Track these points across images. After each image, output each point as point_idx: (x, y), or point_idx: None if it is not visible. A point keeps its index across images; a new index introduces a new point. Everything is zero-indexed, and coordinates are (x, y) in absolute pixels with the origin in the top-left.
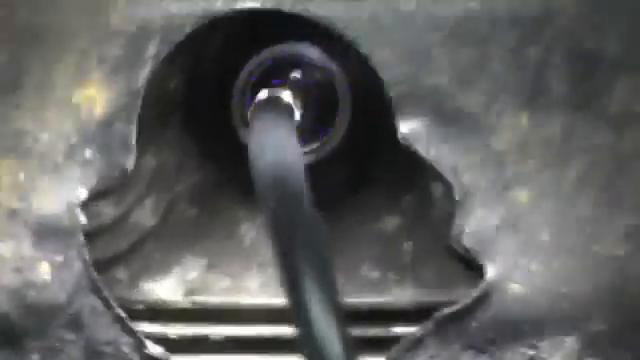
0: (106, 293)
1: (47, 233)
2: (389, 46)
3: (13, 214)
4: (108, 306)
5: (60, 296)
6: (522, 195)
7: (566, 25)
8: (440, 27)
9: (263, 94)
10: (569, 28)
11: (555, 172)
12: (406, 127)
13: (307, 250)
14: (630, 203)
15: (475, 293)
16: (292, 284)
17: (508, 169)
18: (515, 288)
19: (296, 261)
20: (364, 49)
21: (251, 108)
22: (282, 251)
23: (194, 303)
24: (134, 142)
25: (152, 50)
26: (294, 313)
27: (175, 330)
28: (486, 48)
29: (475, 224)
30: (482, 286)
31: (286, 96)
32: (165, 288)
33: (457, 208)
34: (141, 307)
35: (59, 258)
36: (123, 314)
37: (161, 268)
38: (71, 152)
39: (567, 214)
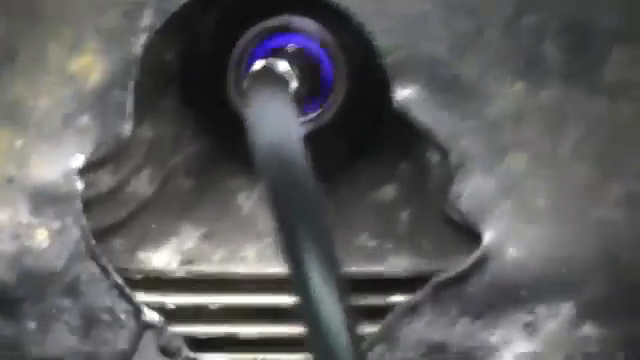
0: (104, 260)
1: (44, 200)
2: (384, 15)
3: (10, 181)
4: (105, 273)
5: (57, 263)
6: (519, 161)
7: None
8: None
9: (259, 64)
10: (564, 1)
11: (552, 139)
12: (402, 94)
13: (307, 222)
14: (627, 169)
15: (471, 259)
16: (292, 255)
17: (505, 135)
18: (512, 253)
19: (296, 232)
20: (359, 18)
21: (247, 79)
22: (282, 223)
23: (191, 272)
24: (131, 110)
25: (147, 20)
26: (294, 284)
27: (172, 299)
28: (482, 17)
29: (472, 190)
30: (478, 252)
31: (282, 66)
32: (162, 258)
33: (454, 174)
34: (138, 276)
35: (56, 225)
36: (120, 281)
37: (158, 238)
38: (68, 120)
39: (564, 180)
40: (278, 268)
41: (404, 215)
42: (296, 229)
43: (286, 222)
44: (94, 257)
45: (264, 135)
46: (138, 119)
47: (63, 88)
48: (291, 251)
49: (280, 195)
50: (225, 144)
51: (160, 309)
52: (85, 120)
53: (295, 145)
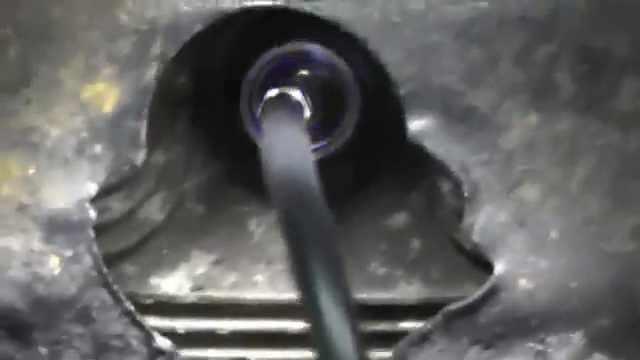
0: (115, 287)
1: (56, 228)
2: (398, 45)
3: (23, 208)
4: (117, 300)
5: (69, 290)
6: (531, 192)
7: (575, 25)
8: (449, 26)
9: (273, 92)
10: (578, 28)
11: (564, 170)
12: (415, 125)
13: (319, 249)
14: (638, 201)
15: (483, 288)
16: (304, 283)
17: (517, 167)
18: (523, 284)
19: (308, 259)
20: (373, 47)
21: (261, 106)
22: (295, 251)
23: (202, 298)
24: (144, 138)
25: (161, 47)
26: (306, 309)
27: (183, 325)
28: (495, 47)
29: (484, 221)
30: (490, 281)
31: (296, 94)
32: (173, 283)
33: (466, 205)
34: (149, 302)
35: (68, 252)
36: (132, 307)
37: (169, 263)
38: (81, 147)
39: (575, 211)
40: (289, 294)
41: (415, 243)
42: (308, 256)
43: (298, 249)
44: (106, 284)
45: (277, 162)
46: (151, 145)
47: (76, 115)
48: (303, 277)
49: (292, 222)
50: (237, 169)
51: (171, 334)
52: (98, 148)
53: (308, 172)
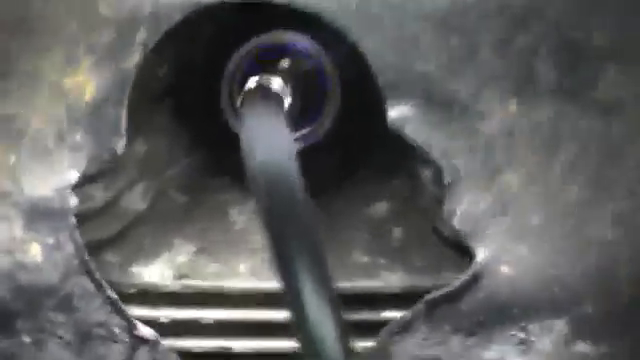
0: (97, 275)
1: (38, 215)
2: (378, 34)
3: (4, 196)
4: (99, 288)
5: (51, 278)
6: (512, 179)
7: (554, 15)
8: (429, 16)
9: (252, 82)
10: (557, 18)
11: (545, 157)
12: (395, 112)
13: (300, 239)
14: (619, 188)
15: (465, 276)
16: (286, 273)
17: (498, 153)
18: (505, 271)
19: (290, 251)
20: (353, 37)
21: (241, 96)
22: (275, 242)
23: (184, 287)
24: (124, 126)
25: (141, 37)
26: (288, 300)
27: (165, 313)
28: (475, 36)
29: (465, 208)
30: (472, 269)
31: (276, 83)
32: (155, 272)
33: (447, 192)
34: (131, 291)
35: (50, 240)
36: (114, 296)
37: (151, 252)
38: (61, 136)
39: (557, 198)
40: (271, 282)
41: (397, 231)
42: (288, 246)
43: (279, 239)
44: (88, 272)
45: (257, 152)
46: (132, 134)
47: (57, 104)
48: (284, 268)
49: (273, 212)
50: (218, 159)
51: (153, 323)
52: (79, 136)
53: (288, 163)
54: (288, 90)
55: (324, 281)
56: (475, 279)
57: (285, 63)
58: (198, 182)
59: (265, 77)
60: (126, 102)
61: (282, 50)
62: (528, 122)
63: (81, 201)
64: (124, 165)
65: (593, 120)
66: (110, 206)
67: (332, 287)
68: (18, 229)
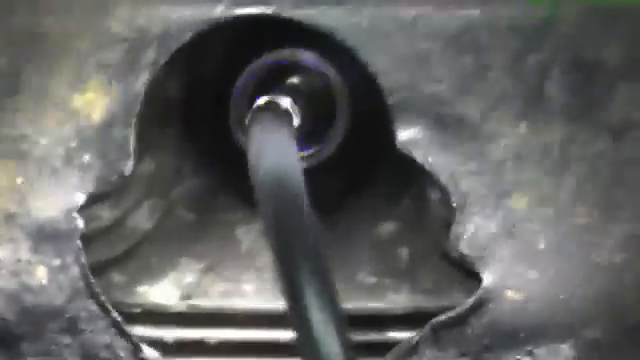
0: (103, 297)
1: (44, 237)
2: (388, 53)
3: (11, 218)
4: (105, 310)
5: (57, 300)
6: (520, 202)
7: (566, 34)
8: (439, 35)
9: (262, 100)
10: (569, 37)
11: (553, 180)
12: (404, 134)
13: (306, 258)
14: (628, 212)
15: (471, 300)
16: (291, 292)
17: (506, 177)
18: (511, 295)
19: (295, 269)
20: (363, 56)
21: (249, 114)
22: (281, 259)
23: (190, 307)
24: (132, 147)
25: (151, 56)
26: (293, 320)
27: (171, 334)
28: (486, 56)
29: (472, 231)
30: (478, 293)
31: (285, 102)
32: (161, 292)
33: (454, 215)
34: (137, 311)
35: (56, 262)
36: (119, 318)
37: (157, 272)
38: (69, 156)
39: (564, 222)
40: (277, 303)
41: (404, 251)
42: (295, 264)
43: (284, 257)
44: (93, 295)
45: (264, 171)
46: (140, 153)
47: (65, 124)
48: (289, 288)
49: (279, 230)
50: (226, 178)
51: (159, 343)
52: (87, 157)
53: (295, 182)
54: (297, 109)
55: (330, 302)
56: (481, 303)
57: (295, 81)
58: (205, 201)
59: (274, 95)
60: (135, 122)
61: (292, 68)
62: (537, 143)
63: (88, 221)
64: (131, 184)
65: (603, 141)
66: (117, 226)
67: (338, 307)
68: (24, 251)
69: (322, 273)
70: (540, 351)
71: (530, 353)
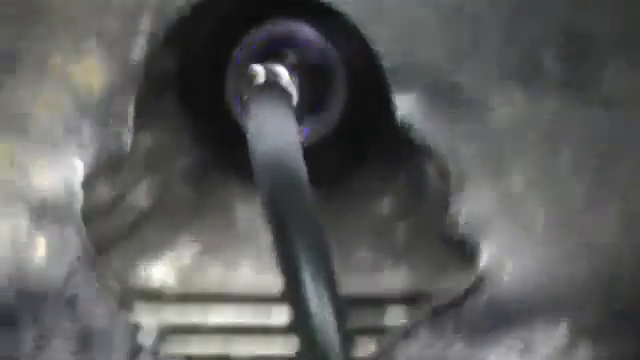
0: (102, 273)
1: (44, 211)
2: (385, 25)
3: (10, 192)
4: (104, 287)
5: (56, 275)
6: (518, 178)
7: (561, 5)
8: (437, 6)
9: (260, 75)
10: (564, 9)
11: (551, 153)
12: (401, 106)
13: (304, 235)
14: (626, 187)
15: (469, 280)
16: (289, 272)
17: (504, 151)
18: (509, 274)
19: (293, 249)
20: (360, 28)
21: (248, 90)
22: (279, 236)
23: (188, 284)
24: (132, 118)
25: (148, 28)
26: (291, 299)
27: (169, 311)
28: (482, 28)
29: (470, 208)
30: (476, 273)
31: (284, 77)
32: (159, 272)
33: (452, 191)
34: (135, 291)
35: (56, 236)
36: (118, 296)
37: (155, 251)
38: (69, 130)
39: (562, 197)
40: (276, 283)
41: (401, 229)
42: (292, 244)
43: (282, 235)
44: (93, 272)
45: (263, 147)
46: (138, 127)
47: (64, 97)
48: (287, 266)
49: (277, 208)
50: (224, 154)
51: (156, 324)
52: (86, 130)
53: (294, 158)
54: (296, 83)
55: (328, 280)
56: (479, 283)
57: (291, 54)
58: (203, 177)
59: (272, 69)
60: (134, 94)
61: (289, 41)
62: (535, 116)
63: (87, 199)
64: (131, 160)
65: (600, 114)
66: (115, 203)
67: (336, 286)
68: (24, 225)
69: (320, 252)
70: (538, 330)
71: (528, 332)
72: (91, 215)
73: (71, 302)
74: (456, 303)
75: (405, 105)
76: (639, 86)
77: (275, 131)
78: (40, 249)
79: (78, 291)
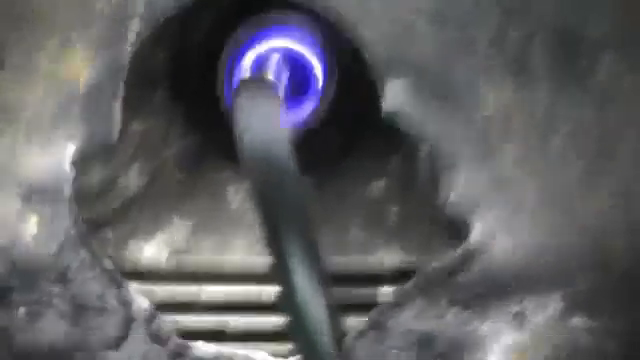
0: (94, 246)
1: (36, 188)
2: (373, 21)
3: (1, 170)
4: (96, 259)
5: (48, 250)
6: (508, 159)
7: (550, 2)
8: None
9: (248, 65)
10: (553, 5)
11: (540, 137)
12: (390, 95)
13: (292, 227)
14: (616, 163)
15: (460, 250)
16: (277, 256)
17: (494, 134)
18: (501, 245)
19: (280, 236)
20: (349, 25)
21: (237, 83)
22: (266, 225)
23: (181, 265)
24: (120, 109)
25: (137, 24)
26: (280, 282)
27: (162, 291)
28: (471, 22)
29: (461, 188)
30: (467, 244)
31: (271, 68)
32: (152, 250)
33: (443, 171)
34: (128, 269)
35: (47, 211)
36: (111, 267)
37: (148, 230)
38: (58, 118)
39: (553, 175)
40: (267, 261)
41: (394, 209)
42: (279, 232)
43: (270, 224)
44: (85, 244)
45: (251, 139)
46: (128, 116)
47: (54, 83)
48: (275, 251)
49: (265, 201)
50: (215, 139)
51: (150, 300)
52: (76, 113)
53: (280, 142)
54: (284, 73)
55: (315, 261)
56: (471, 254)
57: (281, 45)
58: (195, 162)
59: (261, 62)
60: (122, 85)
61: (278, 33)
62: (524, 104)
63: (77, 182)
64: (121, 146)
65: (589, 107)
66: (107, 185)
67: (324, 267)
68: (15, 202)
69: (307, 234)
70: (530, 301)
71: (520, 302)
72: (83, 196)
73: (64, 271)
74: (448, 271)
75: (394, 96)
76: (628, 74)
77: (262, 123)
78: (31, 224)
79: (70, 261)
